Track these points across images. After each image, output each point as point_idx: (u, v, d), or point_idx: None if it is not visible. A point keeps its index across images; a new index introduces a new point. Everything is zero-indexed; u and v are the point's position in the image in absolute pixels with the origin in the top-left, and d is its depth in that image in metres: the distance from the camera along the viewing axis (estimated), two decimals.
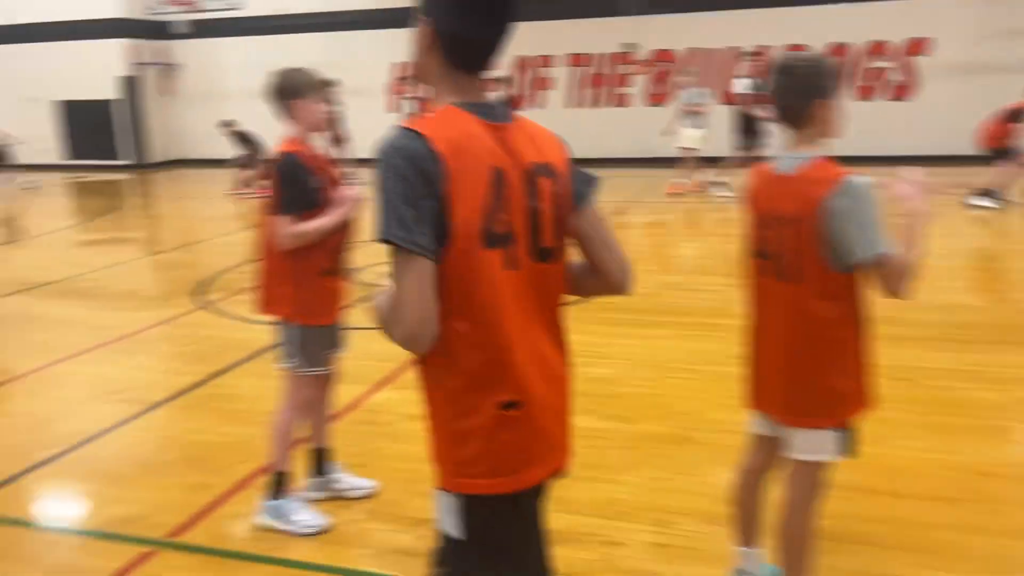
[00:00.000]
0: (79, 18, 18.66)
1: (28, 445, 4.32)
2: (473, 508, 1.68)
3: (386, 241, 1.52)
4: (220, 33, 19.33)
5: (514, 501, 1.71)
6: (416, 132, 1.56)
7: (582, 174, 1.78)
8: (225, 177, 14.97)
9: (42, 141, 19.44)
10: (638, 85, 17.15)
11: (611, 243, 1.83)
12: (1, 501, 3.79)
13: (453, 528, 1.71)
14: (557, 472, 1.76)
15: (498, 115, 1.66)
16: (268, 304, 3.27)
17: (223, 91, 19.68)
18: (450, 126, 1.59)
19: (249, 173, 13.92)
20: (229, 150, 14.47)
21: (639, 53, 16.98)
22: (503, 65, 17.43)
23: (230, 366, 5.37)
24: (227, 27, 19.22)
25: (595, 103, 17.37)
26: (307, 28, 18.62)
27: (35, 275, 8.32)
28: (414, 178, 1.52)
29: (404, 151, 1.53)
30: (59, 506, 3.73)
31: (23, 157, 19.16)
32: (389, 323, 1.59)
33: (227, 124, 14.54)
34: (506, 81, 13.55)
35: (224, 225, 11.48)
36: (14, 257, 9.69)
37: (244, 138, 14.22)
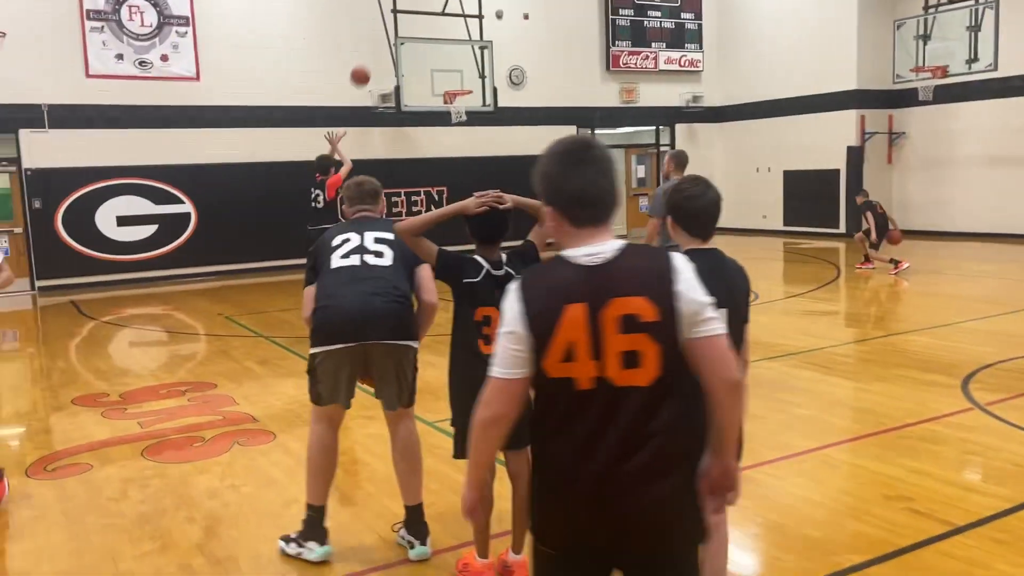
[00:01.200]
0: (819, 92, 19.47)
1: (826, 541, 4.01)
2: None
3: None
4: (954, 98, 18.07)
5: None
6: None
7: None
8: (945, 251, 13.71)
9: (768, 209, 20.86)
10: None
11: None
12: None
13: None
14: None
15: None
16: None
17: (945, 158, 18.52)
18: None
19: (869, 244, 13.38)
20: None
21: None
22: None
23: None
24: (963, 91, 17.87)
25: None
26: None
27: (779, 342, 8.43)
28: None
29: None
30: None
31: (748, 223, 20.82)
32: None
33: (861, 194, 13.94)
34: None
35: (972, 307, 10.21)
36: (757, 321, 10.08)
37: (868, 209, 13.40)
